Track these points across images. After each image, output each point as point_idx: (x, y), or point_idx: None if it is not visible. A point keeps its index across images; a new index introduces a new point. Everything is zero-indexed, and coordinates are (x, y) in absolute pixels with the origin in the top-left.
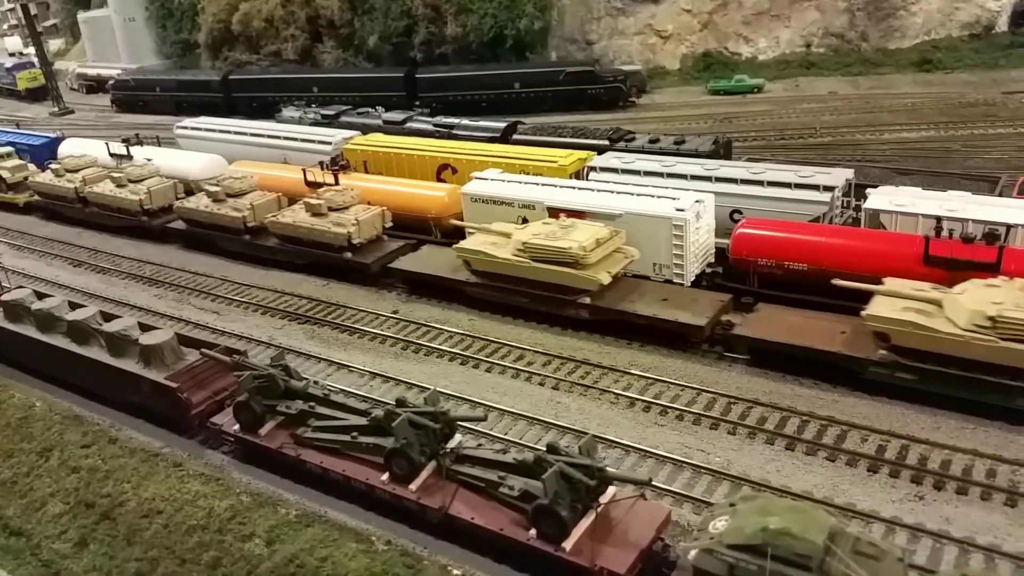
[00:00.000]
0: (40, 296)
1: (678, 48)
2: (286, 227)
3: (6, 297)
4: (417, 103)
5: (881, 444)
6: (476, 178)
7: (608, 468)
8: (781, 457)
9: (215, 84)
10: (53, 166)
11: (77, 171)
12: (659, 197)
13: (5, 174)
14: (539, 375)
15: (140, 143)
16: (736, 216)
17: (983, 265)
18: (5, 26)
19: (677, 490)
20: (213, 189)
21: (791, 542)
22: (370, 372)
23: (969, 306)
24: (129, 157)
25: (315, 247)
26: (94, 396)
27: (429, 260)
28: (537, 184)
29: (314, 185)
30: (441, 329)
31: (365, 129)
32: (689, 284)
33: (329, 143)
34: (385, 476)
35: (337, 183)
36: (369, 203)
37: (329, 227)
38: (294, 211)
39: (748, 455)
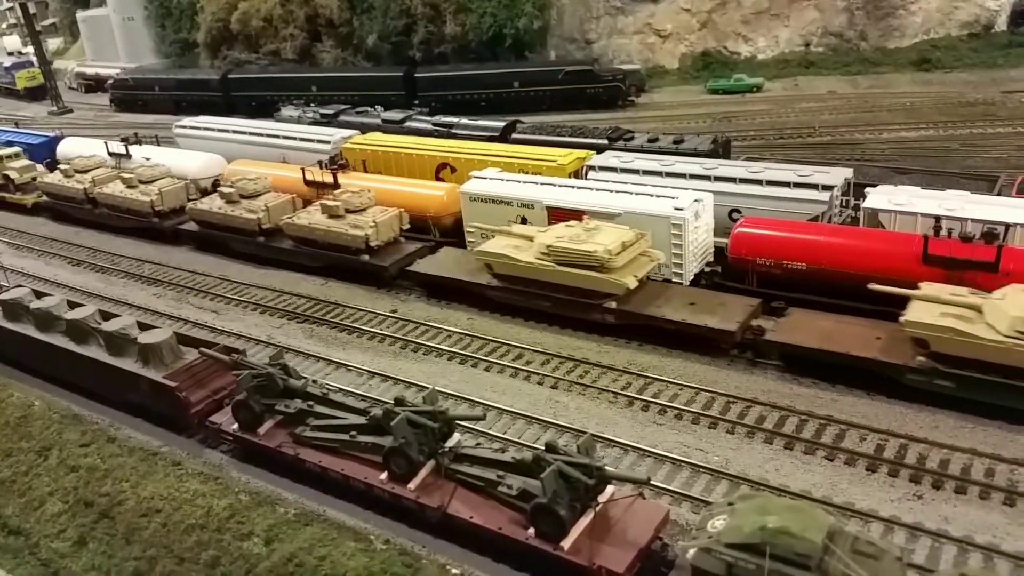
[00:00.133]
0: (39, 295)
1: (677, 47)
2: (302, 229)
3: (5, 296)
4: (416, 102)
5: (880, 443)
6: (475, 177)
7: (607, 467)
8: (779, 456)
9: (214, 83)
10: (62, 167)
11: (87, 172)
12: (658, 196)
13: (13, 175)
14: (538, 374)
15: (139, 142)
16: (735, 215)
17: (982, 264)
18: (4, 25)
19: (676, 489)
20: (227, 190)
21: (790, 541)
22: (369, 371)
23: (1011, 312)
24: (128, 156)
25: (331, 249)
26: (93, 395)
27: (448, 263)
28: (536, 183)
29: (314, 184)
30: (440, 328)
31: (364, 128)
32: (688, 283)
33: (328, 142)
34: (384, 475)
35: (336, 182)
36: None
37: (346, 229)
38: (310, 213)
39: (747, 454)
